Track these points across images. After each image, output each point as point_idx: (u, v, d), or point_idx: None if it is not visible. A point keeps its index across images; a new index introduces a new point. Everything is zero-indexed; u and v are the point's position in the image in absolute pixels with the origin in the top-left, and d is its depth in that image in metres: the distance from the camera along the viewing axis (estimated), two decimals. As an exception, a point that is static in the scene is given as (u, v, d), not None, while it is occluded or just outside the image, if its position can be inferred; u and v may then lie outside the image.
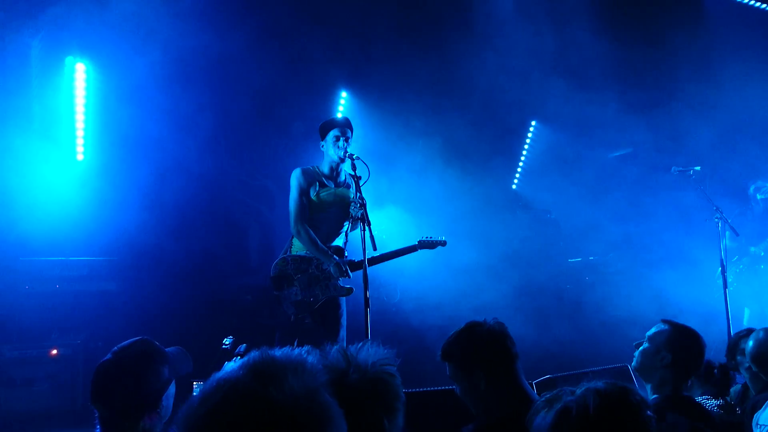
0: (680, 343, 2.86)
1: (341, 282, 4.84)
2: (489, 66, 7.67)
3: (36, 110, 5.86)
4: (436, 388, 4.11)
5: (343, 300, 4.94)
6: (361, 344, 1.74)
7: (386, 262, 5.11)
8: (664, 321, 2.99)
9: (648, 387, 2.94)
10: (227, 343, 2.39)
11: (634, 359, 2.99)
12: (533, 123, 9.94)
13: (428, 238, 5.16)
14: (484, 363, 2.53)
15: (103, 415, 2.16)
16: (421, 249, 5.15)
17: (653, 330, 2.98)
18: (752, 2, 8.66)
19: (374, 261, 4.86)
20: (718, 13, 8.57)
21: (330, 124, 4.98)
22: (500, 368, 2.55)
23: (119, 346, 2.21)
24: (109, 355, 2.18)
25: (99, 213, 5.93)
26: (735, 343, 3.83)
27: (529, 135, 9.99)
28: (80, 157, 6.28)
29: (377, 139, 7.65)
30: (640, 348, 2.97)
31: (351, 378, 1.67)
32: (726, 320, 5.57)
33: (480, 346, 2.54)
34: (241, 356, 2.39)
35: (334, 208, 4.93)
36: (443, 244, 5.25)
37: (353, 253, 5.05)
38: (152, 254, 6.20)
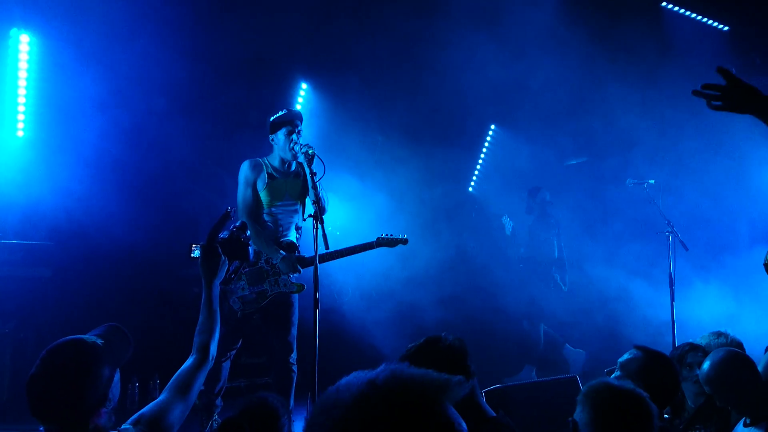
0: (653, 372, 2.72)
1: (292, 278, 4.68)
2: (451, 66, 7.61)
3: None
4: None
5: (295, 298, 4.77)
6: None
7: (343, 260, 4.89)
8: (637, 347, 2.87)
9: None
10: (230, 209, 2.55)
11: None
12: (492, 127, 9.96)
13: (388, 236, 4.91)
14: None
15: (48, 428, 1.96)
16: (379, 246, 4.90)
17: (625, 357, 2.84)
18: (709, 21, 8.89)
19: (329, 257, 4.68)
20: (678, 29, 8.75)
21: (282, 118, 4.78)
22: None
23: (47, 350, 1.96)
24: (38, 363, 1.93)
25: (38, 194, 5.61)
26: (681, 357, 3.80)
27: (488, 139, 10.00)
28: (20, 134, 5.92)
29: (336, 133, 7.51)
30: (611, 376, 2.81)
31: None
32: (672, 333, 5.67)
33: (442, 362, 2.41)
34: (236, 229, 2.59)
35: (285, 199, 4.79)
36: (404, 242, 4.99)
37: (306, 250, 4.88)
38: (93, 241, 5.87)
